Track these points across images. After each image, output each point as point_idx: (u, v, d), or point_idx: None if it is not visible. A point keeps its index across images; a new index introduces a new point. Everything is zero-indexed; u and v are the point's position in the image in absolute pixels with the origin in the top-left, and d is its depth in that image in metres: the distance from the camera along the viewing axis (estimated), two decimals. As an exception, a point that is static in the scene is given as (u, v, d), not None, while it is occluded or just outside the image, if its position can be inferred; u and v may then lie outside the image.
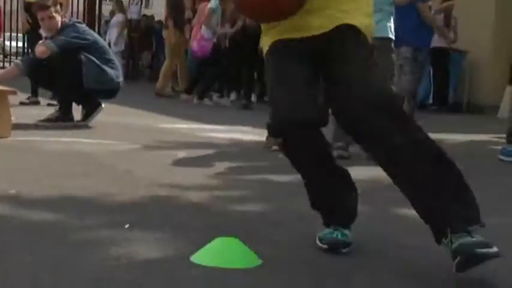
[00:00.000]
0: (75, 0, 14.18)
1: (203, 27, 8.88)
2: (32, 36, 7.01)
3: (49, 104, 6.66)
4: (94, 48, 5.46)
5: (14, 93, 4.78)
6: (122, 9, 13.11)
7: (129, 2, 14.43)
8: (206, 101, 9.11)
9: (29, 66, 5.36)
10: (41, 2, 5.57)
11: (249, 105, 8.65)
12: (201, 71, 9.35)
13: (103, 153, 4.12)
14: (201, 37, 8.91)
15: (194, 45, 9.07)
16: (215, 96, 9.51)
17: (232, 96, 9.73)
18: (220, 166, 3.93)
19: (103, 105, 5.56)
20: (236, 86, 9.73)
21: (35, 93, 7.00)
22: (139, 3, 14.38)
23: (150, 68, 15.51)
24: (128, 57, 13.85)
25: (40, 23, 5.62)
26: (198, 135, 5.40)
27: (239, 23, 9.02)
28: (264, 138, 4.59)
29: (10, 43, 14.06)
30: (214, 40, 9.05)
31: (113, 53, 5.88)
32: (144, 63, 15.32)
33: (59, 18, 5.44)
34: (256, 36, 8.14)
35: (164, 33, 10.21)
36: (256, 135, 5.25)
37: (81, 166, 3.63)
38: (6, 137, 4.41)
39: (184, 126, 6.10)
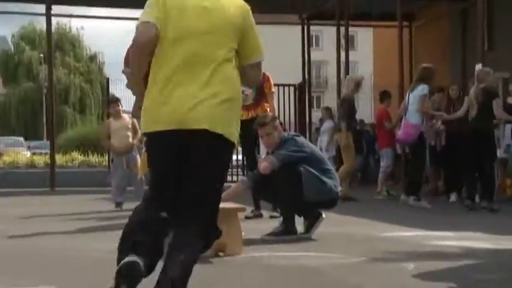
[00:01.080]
0: (287, 111, 14.98)
1: (411, 112, 8.68)
2: (250, 150, 7.36)
3: (271, 217, 6.86)
4: (312, 159, 5.58)
5: (243, 210, 5.00)
6: (330, 115, 13.45)
7: (337, 107, 14.78)
8: (423, 202, 8.66)
9: (253, 181, 5.61)
10: (259, 120, 5.88)
11: (474, 207, 8.09)
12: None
13: (330, 268, 4.08)
14: (406, 124, 8.72)
15: (399, 133, 8.95)
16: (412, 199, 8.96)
17: (453, 197, 9.24)
18: (454, 278, 3.65)
19: (323, 215, 5.58)
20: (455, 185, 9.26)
21: (258, 207, 7.27)
22: (347, 107, 14.65)
23: (360, 171, 15.52)
24: (339, 162, 14.00)
25: (260, 139, 5.89)
26: (425, 244, 5.15)
27: (459, 113, 8.61)
28: (499, 246, 4.23)
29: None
30: (422, 129, 8.72)
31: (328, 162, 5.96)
32: (357, 167, 15.35)
33: (276, 133, 5.65)
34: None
35: (336, 135, 10.24)
36: (489, 242, 4.86)
37: (310, 281, 3.60)
38: (238, 254, 4.58)
39: (408, 234, 5.87)
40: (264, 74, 7.36)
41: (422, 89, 8.51)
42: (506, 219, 7.05)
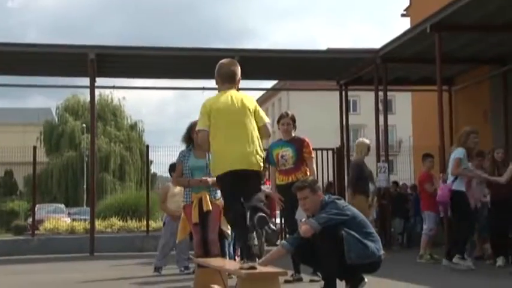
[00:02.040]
0: (325, 172, 14.92)
1: (448, 175, 8.64)
2: (290, 214, 7.31)
3: (312, 281, 6.72)
4: (353, 222, 5.49)
5: (285, 274, 4.90)
6: (371, 179, 13.31)
7: (377, 170, 14.67)
8: (467, 262, 8.44)
9: (294, 245, 5.53)
10: (298, 183, 5.85)
11: None
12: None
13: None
14: (443, 186, 8.67)
15: (439, 193, 8.83)
16: (456, 258, 8.76)
17: (500, 261, 8.94)
18: None
19: (366, 279, 5.44)
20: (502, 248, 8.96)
21: (297, 270, 7.15)
22: (387, 171, 14.52)
23: (401, 234, 15.24)
24: (380, 226, 13.79)
25: (299, 202, 5.84)
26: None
27: (503, 179, 8.52)
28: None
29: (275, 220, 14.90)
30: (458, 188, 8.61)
31: (371, 225, 5.85)
32: (397, 230, 15.09)
33: (315, 197, 5.60)
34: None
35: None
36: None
37: None
38: (279, 319, 4.46)
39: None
40: (303, 139, 7.48)
41: (456, 152, 8.59)
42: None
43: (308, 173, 7.22)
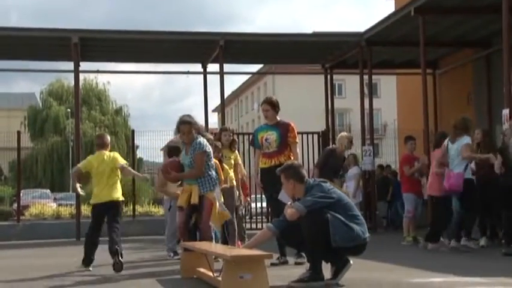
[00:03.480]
0: (311, 156, 14.96)
1: (455, 162, 8.72)
2: (274, 197, 7.33)
3: (297, 263, 6.77)
4: (339, 205, 5.52)
5: (270, 257, 4.94)
6: (356, 162, 13.41)
7: (362, 154, 14.76)
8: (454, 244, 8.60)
9: (279, 228, 5.56)
10: (283, 166, 5.87)
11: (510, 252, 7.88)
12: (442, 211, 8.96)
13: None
14: (449, 174, 8.71)
15: (445, 182, 8.86)
16: (463, 240, 8.93)
17: (482, 241, 9.07)
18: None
19: (351, 261, 5.49)
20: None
21: (283, 253, 7.19)
22: (372, 154, 14.62)
23: (385, 218, 15.37)
24: (365, 208, 13.91)
25: (283, 185, 5.86)
26: (456, 290, 5.02)
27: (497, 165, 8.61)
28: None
29: (256, 204, 14.97)
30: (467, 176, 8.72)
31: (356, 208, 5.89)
32: (381, 213, 15.22)
33: (299, 181, 5.62)
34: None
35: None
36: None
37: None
38: (265, 301, 4.50)
39: (439, 279, 5.74)
40: (288, 124, 7.48)
41: (465, 138, 8.68)
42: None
43: (292, 157, 7.25)
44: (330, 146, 10.34)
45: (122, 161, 7.41)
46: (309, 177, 6.22)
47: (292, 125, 7.49)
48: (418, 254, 8.55)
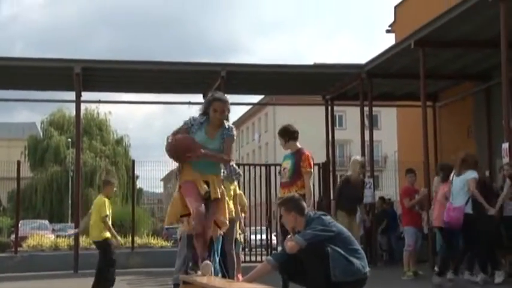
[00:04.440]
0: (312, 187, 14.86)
1: (457, 196, 8.69)
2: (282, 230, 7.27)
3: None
4: (339, 239, 5.46)
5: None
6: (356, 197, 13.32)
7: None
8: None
9: (279, 261, 5.50)
10: (281, 199, 5.83)
11: None
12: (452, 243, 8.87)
13: None
14: (450, 207, 8.66)
15: (445, 216, 8.80)
16: (467, 274, 8.84)
17: (498, 277, 8.95)
18: None
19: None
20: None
21: (286, 287, 7.08)
22: (372, 186, 14.55)
23: (386, 251, 15.22)
24: (366, 242, 13.79)
25: (282, 221, 5.80)
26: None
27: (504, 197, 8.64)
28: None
29: (255, 236, 14.88)
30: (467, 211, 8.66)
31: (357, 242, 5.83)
32: (382, 246, 15.09)
33: (291, 216, 5.56)
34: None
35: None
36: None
37: None
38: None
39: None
40: (303, 153, 7.32)
41: (471, 173, 8.69)
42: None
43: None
44: (344, 175, 10.15)
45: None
46: (314, 209, 6.19)
47: (307, 153, 7.30)
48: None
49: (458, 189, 8.72)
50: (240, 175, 5.97)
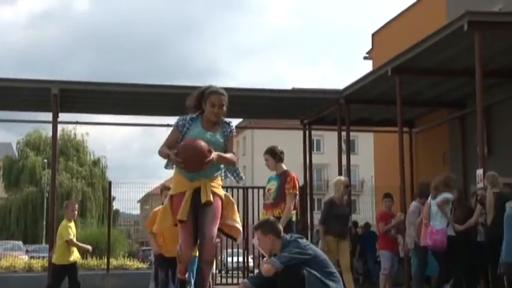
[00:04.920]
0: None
1: (435, 218, 8.80)
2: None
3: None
4: (315, 262, 5.50)
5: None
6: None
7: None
8: None
9: (255, 284, 5.51)
10: (257, 225, 5.83)
11: None
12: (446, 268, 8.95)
13: None
14: (432, 231, 8.79)
15: (428, 240, 8.90)
16: None
17: None
18: None
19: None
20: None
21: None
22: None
23: (361, 275, 15.28)
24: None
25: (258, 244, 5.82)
26: None
27: (473, 220, 8.80)
28: None
29: (232, 258, 14.85)
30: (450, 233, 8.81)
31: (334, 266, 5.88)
32: (359, 270, 15.15)
33: (270, 237, 5.58)
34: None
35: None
36: None
37: None
38: None
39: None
40: (288, 174, 7.29)
41: (445, 194, 8.86)
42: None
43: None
44: (328, 197, 10.03)
45: None
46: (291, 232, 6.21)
47: (293, 175, 7.28)
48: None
49: (435, 212, 8.86)
50: (242, 178, 5.35)
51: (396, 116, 12.95)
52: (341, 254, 8.95)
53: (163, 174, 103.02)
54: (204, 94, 5.18)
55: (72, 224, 9.04)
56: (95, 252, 17.28)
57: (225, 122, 5.24)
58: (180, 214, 4.95)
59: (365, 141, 34.01)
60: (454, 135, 15.41)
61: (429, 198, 9.20)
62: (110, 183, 16.55)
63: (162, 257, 7.29)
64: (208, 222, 4.95)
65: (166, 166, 5.14)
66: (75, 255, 9.04)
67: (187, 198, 4.98)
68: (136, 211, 34.94)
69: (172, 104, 16.18)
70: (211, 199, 4.98)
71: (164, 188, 7.64)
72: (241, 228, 5.36)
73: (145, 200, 32.59)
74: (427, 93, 14.45)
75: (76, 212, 9.30)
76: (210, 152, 4.89)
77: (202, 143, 4.90)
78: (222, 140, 5.14)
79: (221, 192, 5.16)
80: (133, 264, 15.67)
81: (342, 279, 9.03)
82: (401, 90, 12.49)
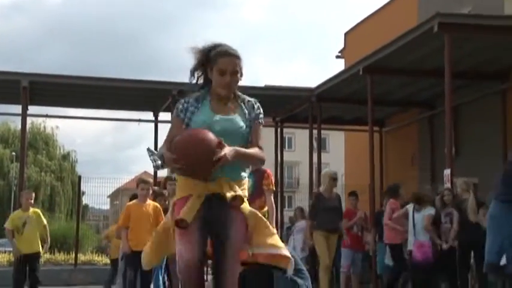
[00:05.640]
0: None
1: (421, 232, 8.92)
2: None
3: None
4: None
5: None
6: (303, 216, 13.49)
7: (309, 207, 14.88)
8: None
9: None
10: None
11: None
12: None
13: None
14: (419, 244, 8.92)
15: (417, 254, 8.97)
16: None
17: None
18: None
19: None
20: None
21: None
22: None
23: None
24: (311, 262, 13.92)
25: None
26: None
27: (456, 227, 8.94)
28: None
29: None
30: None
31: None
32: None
33: None
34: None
35: None
36: None
37: None
38: None
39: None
40: (264, 171, 7.14)
41: (430, 209, 8.99)
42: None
43: (266, 208, 7.11)
44: (316, 191, 9.94)
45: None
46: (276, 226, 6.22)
47: (269, 171, 7.23)
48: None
49: (420, 225, 8.97)
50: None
51: (367, 115, 13.08)
52: (328, 251, 8.93)
53: (134, 169, 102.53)
54: (209, 59, 3.59)
55: (22, 215, 8.94)
56: (63, 248, 17.14)
57: (248, 100, 3.67)
58: (182, 213, 3.38)
59: (336, 140, 34.23)
60: (423, 135, 15.61)
61: (409, 207, 9.28)
62: (79, 177, 16.42)
63: (132, 254, 7.16)
64: (228, 256, 3.48)
65: (160, 167, 3.92)
66: (28, 247, 8.89)
67: (195, 201, 3.42)
68: (106, 206, 34.66)
69: (145, 99, 16.10)
70: (243, 200, 3.52)
71: (141, 181, 7.51)
72: (289, 254, 3.70)
73: (115, 195, 32.37)
74: (398, 93, 14.61)
75: (31, 201, 9.09)
76: (221, 146, 3.34)
77: (207, 135, 3.35)
78: (242, 125, 3.55)
79: (247, 208, 3.58)
80: (102, 259, 15.56)
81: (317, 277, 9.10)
82: (372, 89, 12.61)
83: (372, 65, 12.37)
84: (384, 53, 11.80)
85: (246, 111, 3.65)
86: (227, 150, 3.37)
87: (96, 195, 18.33)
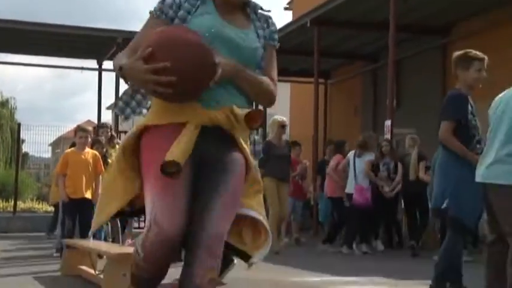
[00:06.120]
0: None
1: (362, 177, 9.17)
2: None
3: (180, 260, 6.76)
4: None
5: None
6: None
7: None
8: (344, 249, 9.10)
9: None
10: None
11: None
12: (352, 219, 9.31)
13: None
14: (360, 188, 9.13)
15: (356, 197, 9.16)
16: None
17: (379, 245, 9.54)
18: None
19: (235, 261, 5.57)
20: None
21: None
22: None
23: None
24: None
25: None
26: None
27: (398, 179, 9.32)
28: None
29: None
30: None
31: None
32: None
33: None
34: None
35: None
36: (389, 286, 5.02)
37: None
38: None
39: (316, 279, 5.97)
40: None
41: (370, 155, 9.30)
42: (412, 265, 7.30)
43: None
44: (266, 140, 9.58)
45: None
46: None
47: None
48: (301, 255, 8.81)
49: (361, 170, 9.20)
50: None
51: (313, 67, 13.14)
52: (280, 200, 8.76)
53: (79, 117, 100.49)
54: None
55: None
56: (1, 195, 16.82)
57: (261, 13, 2.65)
58: (170, 153, 2.25)
59: (282, 91, 34.26)
60: (366, 87, 15.83)
61: (350, 154, 9.50)
62: (19, 125, 15.97)
63: (69, 202, 7.08)
64: (219, 209, 2.34)
65: (122, 111, 2.52)
66: None
67: (191, 133, 2.32)
68: (48, 154, 34.04)
69: (89, 47, 15.71)
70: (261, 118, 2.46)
71: (79, 129, 7.38)
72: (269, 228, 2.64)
73: (57, 144, 31.78)
74: (344, 45, 14.71)
75: None
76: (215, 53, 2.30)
77: (196, 33, 2.31)
78: (258, 45, 2.52)
79: (247, 151, 2.48)
80: (42, 207, 15.36)
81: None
82: (319, 41, 12.65)
83: (320, 17, 12.38)
84: (332, 4, 11.82)
85: (260, 28, 2.58)
86: (223, 61, 2.31)
87: (37, 143, 17.98)
